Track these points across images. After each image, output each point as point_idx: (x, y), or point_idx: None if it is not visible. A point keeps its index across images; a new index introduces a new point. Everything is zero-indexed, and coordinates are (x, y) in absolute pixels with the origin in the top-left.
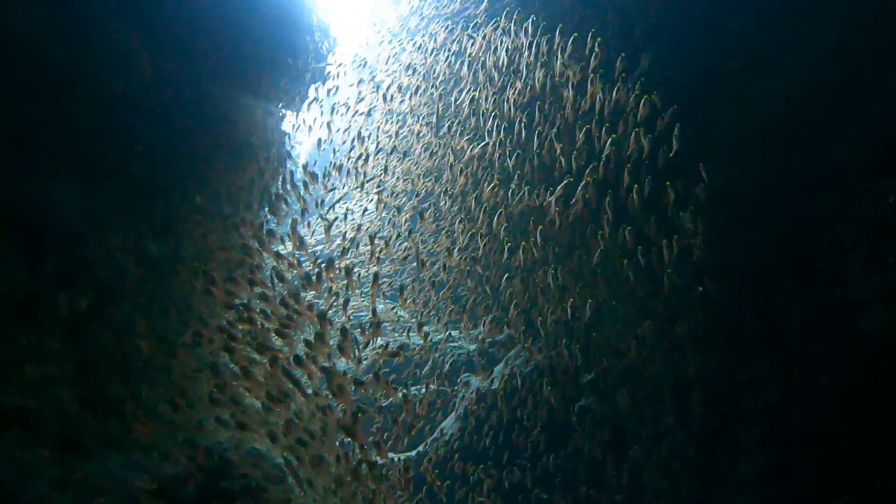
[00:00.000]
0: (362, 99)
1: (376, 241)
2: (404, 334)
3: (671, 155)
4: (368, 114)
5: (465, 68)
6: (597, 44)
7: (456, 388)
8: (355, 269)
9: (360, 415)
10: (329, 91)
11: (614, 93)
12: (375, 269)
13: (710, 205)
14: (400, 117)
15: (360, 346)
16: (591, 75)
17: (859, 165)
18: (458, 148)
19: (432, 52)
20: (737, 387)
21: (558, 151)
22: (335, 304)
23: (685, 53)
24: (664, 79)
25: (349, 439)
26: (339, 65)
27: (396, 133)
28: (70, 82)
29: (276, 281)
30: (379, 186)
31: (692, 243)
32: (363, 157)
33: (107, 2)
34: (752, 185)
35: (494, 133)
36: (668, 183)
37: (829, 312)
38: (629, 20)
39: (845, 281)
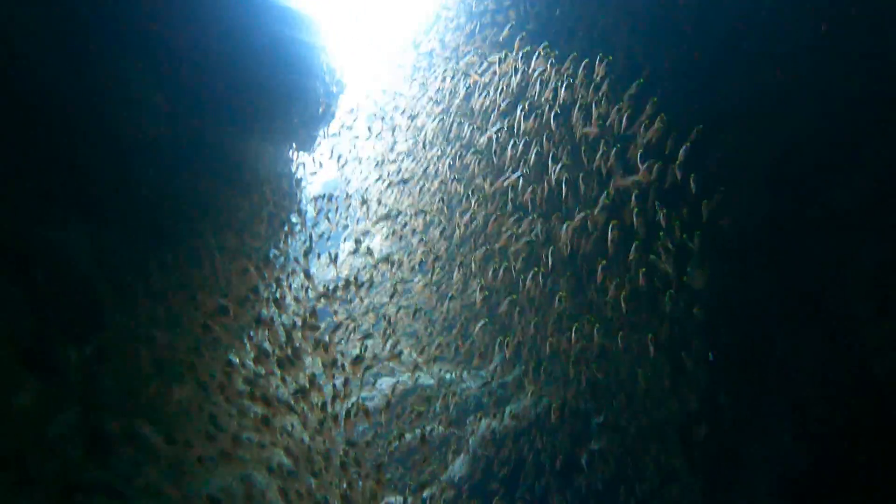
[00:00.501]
0: (376, 135)
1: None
2: (415, 373)
3: (678, 180)
4: (393, 151)
5: (478, 101)
6: (604, 65)
7: (466, 427)
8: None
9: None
10: (339, 131)
11: (623, 119)
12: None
13: (718, 245)
14: (414, 151)
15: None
16: (599, 98)
17: (869, 207)
18: (471, 177)
19: (448, 87)
20: (747, 432)
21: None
22: (347, 334)
23: (694, 95)
24: (671, 118)
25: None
26: (352, 110)
27: (410, 167)
28: (84, 129)
29: (278, 313)
30: (395, 220)
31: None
32: (377, 192)
33: (122, 49)
34: (760, 225)
35: (508, 162)
36: (663, 211)
37: (842, 356)
38: (637, 63)
39: (857, 324)
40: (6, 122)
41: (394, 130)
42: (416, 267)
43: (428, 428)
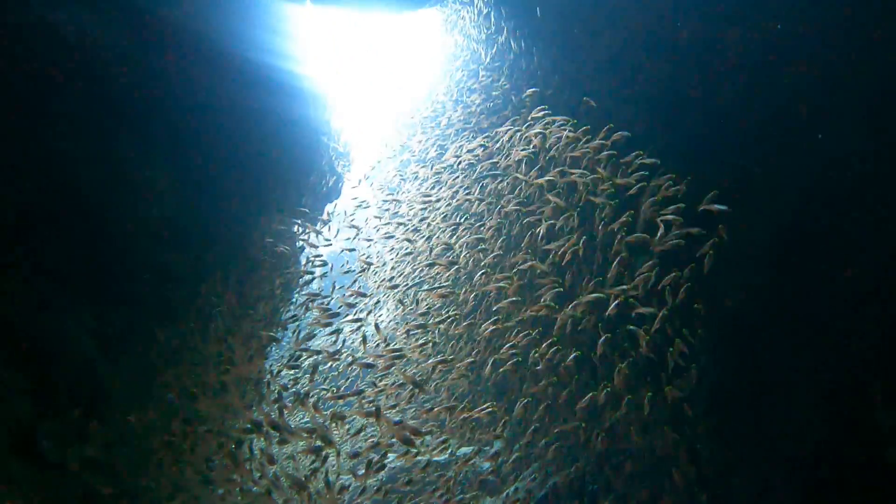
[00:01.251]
0: (386, 210)
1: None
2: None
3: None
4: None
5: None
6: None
7: None
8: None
9: None
10: (346, 210)
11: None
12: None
13: (727, 325)
14: (427, 228)
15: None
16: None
17: (880, 284)
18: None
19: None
20: None
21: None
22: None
23: (695, 177)
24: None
25: None
26: (359, 182)
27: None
28: (89, 212)
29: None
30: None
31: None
32: (390, 267)
33: (128, 132)
34: (768, 306)
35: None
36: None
37: (854, 441)
38: (641, 137)
39: (870, 409)
40: (11, 209)
41: (404, 204)
42: (431, 349)
43: None
